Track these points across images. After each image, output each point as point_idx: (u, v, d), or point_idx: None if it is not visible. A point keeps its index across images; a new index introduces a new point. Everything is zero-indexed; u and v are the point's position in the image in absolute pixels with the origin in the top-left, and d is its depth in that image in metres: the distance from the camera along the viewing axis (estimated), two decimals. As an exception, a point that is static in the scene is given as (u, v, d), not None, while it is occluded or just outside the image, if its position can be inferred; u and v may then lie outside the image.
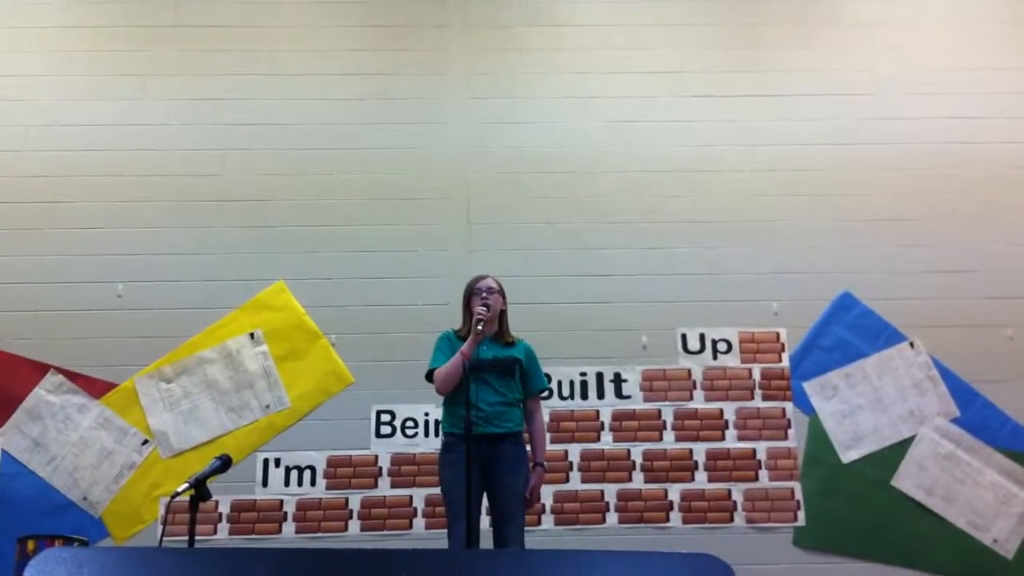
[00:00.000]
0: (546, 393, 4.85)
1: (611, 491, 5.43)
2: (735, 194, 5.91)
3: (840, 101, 6.08)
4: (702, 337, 5.68)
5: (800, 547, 5.37)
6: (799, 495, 5.45)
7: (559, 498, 5.41)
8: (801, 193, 5.93)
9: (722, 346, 5.67)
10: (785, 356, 5.66)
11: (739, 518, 5.40)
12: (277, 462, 5.44)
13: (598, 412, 5.56)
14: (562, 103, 6.06)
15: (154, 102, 5.95)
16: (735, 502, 5.43)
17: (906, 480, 5.47)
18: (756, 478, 5.47)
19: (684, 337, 5.69)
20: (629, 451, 5.50)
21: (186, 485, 3.51)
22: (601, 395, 5.58)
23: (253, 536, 5.29)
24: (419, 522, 5.35)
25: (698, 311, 5.71)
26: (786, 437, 5.54)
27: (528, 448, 4.40)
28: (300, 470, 5.42)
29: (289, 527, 5.34)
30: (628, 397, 5.58)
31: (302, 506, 5.37)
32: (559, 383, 5.56)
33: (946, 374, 5.62)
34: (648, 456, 5.49)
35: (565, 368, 5.56)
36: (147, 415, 5.46)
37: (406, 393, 5.42)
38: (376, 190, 5.88)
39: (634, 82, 6.08)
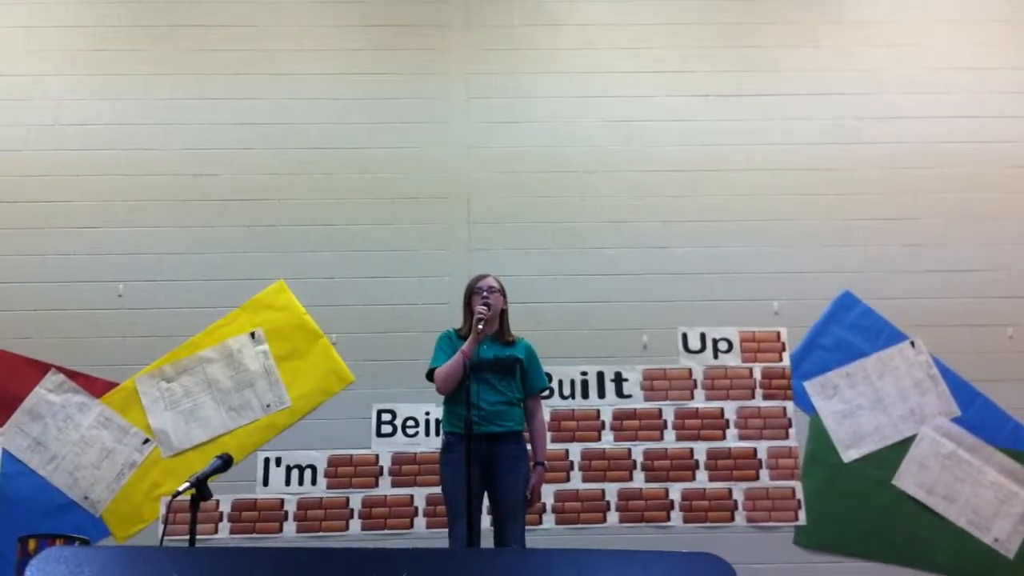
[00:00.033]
0: (547, 392, 4.85)
1: (612, 490, 5.43)
2: (736, 193, 5.91)
3: (841, 101, 6.09)
4: (703, 336, 5.68)
5: (801, 546, 5.37)
6: (800, 494, 5.45)
7: (560, 497, 5.41)
8: (802, 192, 5.93)
9: (723, 345, 5.67)
10: (786, 355, 5.67)
11: (740, 517, 5.40)
12: (278, 461, 5.44)
13: (599, 411, 5.56)
14: (562, 102, 6.06)
15: (154, 102, 5.95)
16: (736, 501, 5.43)
17: (907, 479, 5.47)
18: (757, 477, 5.47)
19: (685, 336, 5.69)
20: (630, 450, 5.50)
21: (187, 484, 3.51)
22: (602, 394, 5.58)
23: (254, 535, 5.29)
24: (420, 521, 5.35)
25: (699, 310, 5.71)
26: (787, 436, 5.54)
27: (529, 447, 4.40)
28: (301, 469, 5.42)
29: (290, 526, 5.34)
30: (629, 396, 5.58)
31: (303, 505, 5.37)
32: (560, 382, 5.56)
33: (947, 373, 5.63)
34: (649, 455, 5.49)
35: (566, 367, 5.56)
36: (148, 414, 5.46)
37: (407, 392, 5.42)
38: (376, 189, 5.88)
39: (634, 81, 6.09)
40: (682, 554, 2.72)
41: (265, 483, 5.40)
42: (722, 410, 5.57)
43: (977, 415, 5.56)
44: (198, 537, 3.59)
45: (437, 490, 4.67)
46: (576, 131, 6.01)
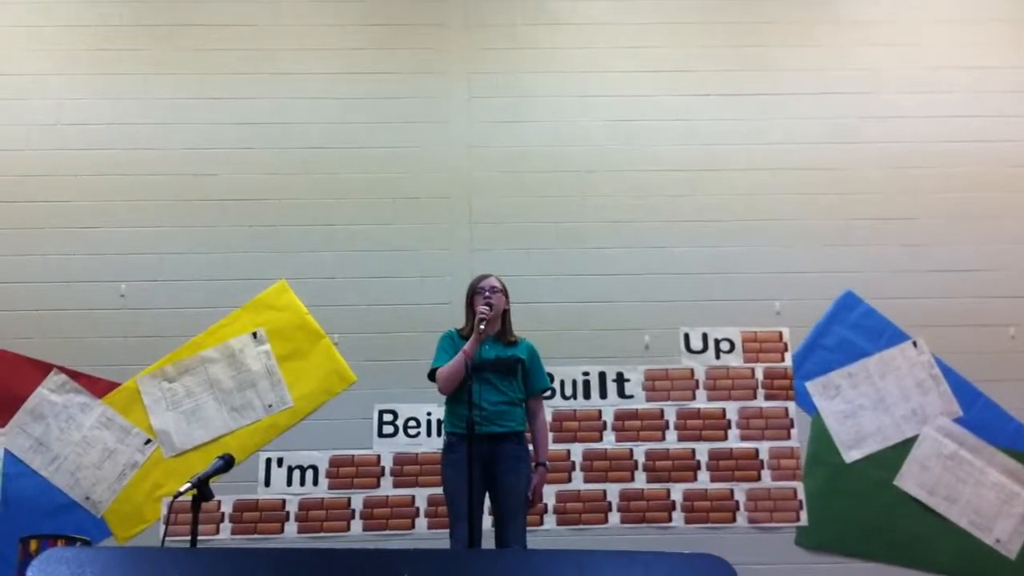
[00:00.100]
0: (548, 392, 4.85)
1: (613, 491, 5.43)
2: (737, 193, 5.91)
3: (841, 100, 6.08)
4: (705, 337, 5.68)
5: (803, 547, 5.36)
6: (802, 495, 5.45)
7: (561, 498, 5.41)
8: (803, 192, 5.93)
9: (725, 346, 5.67)
10: (788, 356, 5.66)
11: (741, 518, 5.40)
12: (279, 462, 5.44)
13: (600, 412, 5.56)
14: (563, 102, 6.06)
15: (155, 101, 5.95)
16: (738, 502, 5.43)
17: (909, 480, 5.46)
18: (759, 478, 5.46)
19: (687, 336, 5.69)
20: (632, 451, 5.50)
21: (188, 485, 3.51)
22: (604, 395, 5.58)
23: (255, 536, 5.29)
24: (421, 522, 5.35)
25: (701, 310, 5.71)
26: (789, 437, 5.53)
27: (530, 448, 4.40)
28: (302, 470, 5.42)
29: (291, 527, 5.34)
30: (631, 397, 5.58)
31: (304, 506, 5.37)
32: (561, 382, 5.55)
33: (949, 373, 5.62)
34: (651, 456, 5.49)
35: (567, 367, 5.56)
36: (150, 415, 5.46)
37: (408, 393, 5.42)
38: (377, 189, 5.88)
39: (635, 81, 6.08)
40: (684, 555, 2.72)
41: (267, 483, 5.40)
42: (724, 410, 5.57)
43: (979, 415, 5.55)
44: (199, 538, 3.58)
45: (438, 491, 4.66)
46: (577, 130, 6.01)
